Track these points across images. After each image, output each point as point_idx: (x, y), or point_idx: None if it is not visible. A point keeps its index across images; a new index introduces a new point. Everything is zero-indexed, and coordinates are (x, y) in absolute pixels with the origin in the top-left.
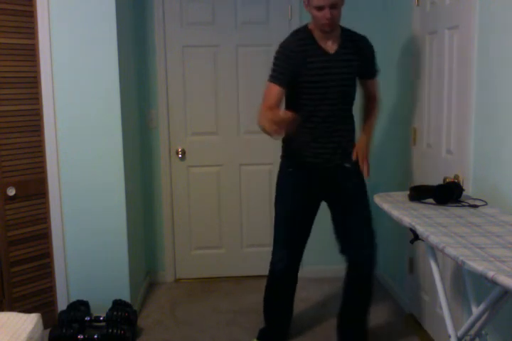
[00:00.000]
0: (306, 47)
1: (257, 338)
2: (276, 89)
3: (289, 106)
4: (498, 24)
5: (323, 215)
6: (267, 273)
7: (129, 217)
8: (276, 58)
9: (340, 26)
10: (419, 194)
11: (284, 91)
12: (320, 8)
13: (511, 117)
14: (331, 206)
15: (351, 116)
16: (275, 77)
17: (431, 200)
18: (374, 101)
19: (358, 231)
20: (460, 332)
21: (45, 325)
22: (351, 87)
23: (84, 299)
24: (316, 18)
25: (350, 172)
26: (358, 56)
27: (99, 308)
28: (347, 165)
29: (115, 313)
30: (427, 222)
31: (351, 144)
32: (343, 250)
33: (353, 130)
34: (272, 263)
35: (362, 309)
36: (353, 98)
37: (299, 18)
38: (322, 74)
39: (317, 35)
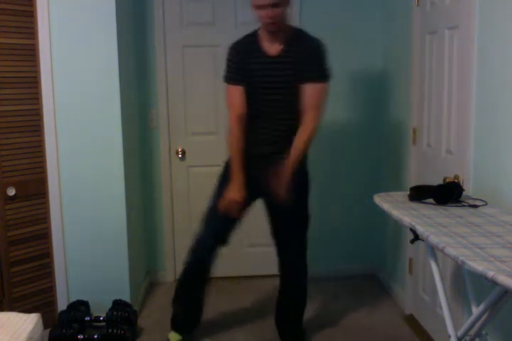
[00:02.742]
0: (250, 49)
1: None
2: (236, 91)
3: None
4: (498, 24)
5: (322, 215)
6: (267, 273)
7: (130, 217)
8: (227, 59)
9: (294, 28)
10: (419, 194)
11: (243, 89)
12: (262, 8)
13: (511, 117)
14: (265, 203)
15: (292, 119)
16: (230, 78)
17: (431, 200)
18: (305, 116)
19: (286, 242)
20: (460, 332)
21: (45, 325)
22: (288, 89)
23: (84, 299)
24: (259, 18)
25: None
26: (298, 59)
27: (99, 308)
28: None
29: (115, 313)
30: (427, 222)
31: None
32: (277, 249)
33: (293, 131)
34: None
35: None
36: (291, 102)
37: (298, 18)
38: (260, 76)
39: (264, 37)
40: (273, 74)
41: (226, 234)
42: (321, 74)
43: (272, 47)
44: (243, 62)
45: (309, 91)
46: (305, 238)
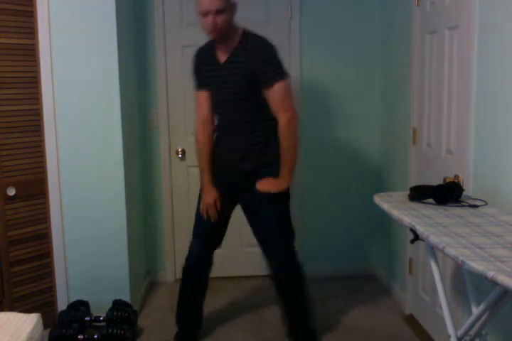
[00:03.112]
0: (204, 56)
1: None
2: (201, 96)
3: None
4: (498, 24)
5: (322, 215)
6: (267, 273)
7: (130, 218)
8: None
9: (243, 32)
10: (419, 194)
11: (207, 94)
12: (207, 14)
13: (511, 117)
14: (241, 206)
15: (254, 125)
16: (195, 84)
17: (431, 200)
18: (279, 120)
19: (269, 243)
20: (460, 332)
21: (45, 325)
22: (241, 95)
23: (84, 299)
24: (204, 25)
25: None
26: (247, 64)
27: (99, 308)
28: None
29: (115, 313)
30: (427, 222)
31: (263, 153)
32: (261, 250)
33: (260, 139)
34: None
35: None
36: (246, 107)
37: (298, 18)
38: (212, 83)
39: (217, 44)
40: (223, 81)
41: (214, 237)
42: (276, 73)
43: (222, 54)
44: (200, 69)
45: (271, 94)
46: (290, 238)
